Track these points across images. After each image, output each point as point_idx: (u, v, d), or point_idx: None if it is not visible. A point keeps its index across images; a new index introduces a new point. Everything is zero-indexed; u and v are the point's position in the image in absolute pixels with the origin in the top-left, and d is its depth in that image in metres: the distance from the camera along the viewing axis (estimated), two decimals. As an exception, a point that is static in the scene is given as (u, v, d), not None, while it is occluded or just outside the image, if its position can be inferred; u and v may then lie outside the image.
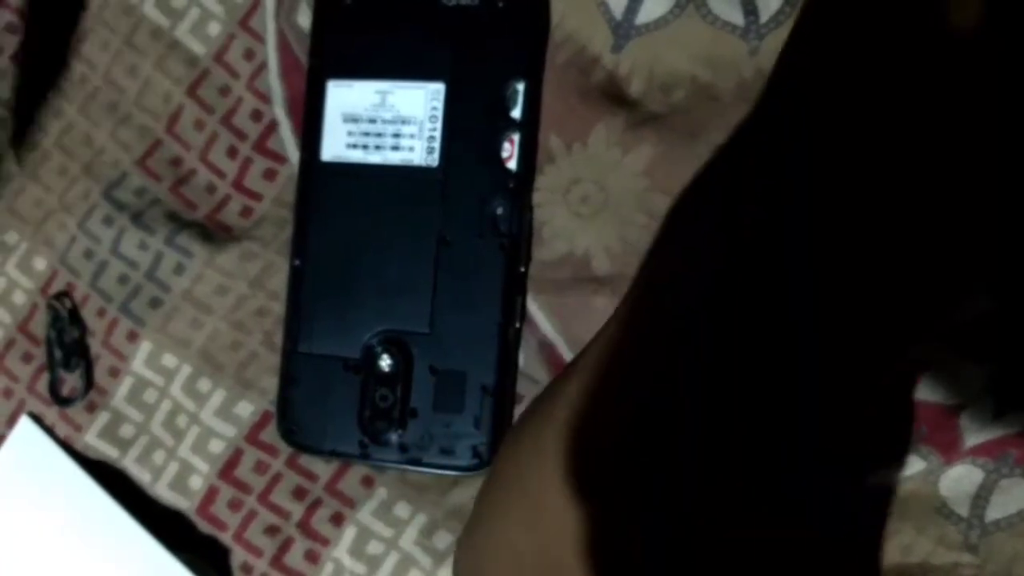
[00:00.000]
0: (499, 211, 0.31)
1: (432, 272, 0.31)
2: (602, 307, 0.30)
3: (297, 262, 0.32)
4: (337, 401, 0.32)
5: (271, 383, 0.33)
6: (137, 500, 0.34)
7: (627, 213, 0.30)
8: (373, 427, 0.31)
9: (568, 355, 0.31)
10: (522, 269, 0.31)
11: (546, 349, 0.31)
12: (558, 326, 0.31)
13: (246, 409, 0.34)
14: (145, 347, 0.35)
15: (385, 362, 0.31)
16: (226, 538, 0.34)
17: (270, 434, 0.33)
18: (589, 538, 0.22)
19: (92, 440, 0.35)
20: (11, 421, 0.36)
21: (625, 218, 0.30)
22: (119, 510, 0.34)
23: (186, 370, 0.34)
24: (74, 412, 0.35)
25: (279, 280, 0.33)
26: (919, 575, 0.29)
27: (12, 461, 0.34)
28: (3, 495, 0.34)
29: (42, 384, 0.36)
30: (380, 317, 0.31)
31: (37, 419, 0.36)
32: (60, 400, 0.35)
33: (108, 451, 0.35)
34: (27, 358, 0.36)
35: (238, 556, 0.34)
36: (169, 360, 0.35)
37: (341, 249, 0.32)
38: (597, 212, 0.31)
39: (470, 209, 0.31)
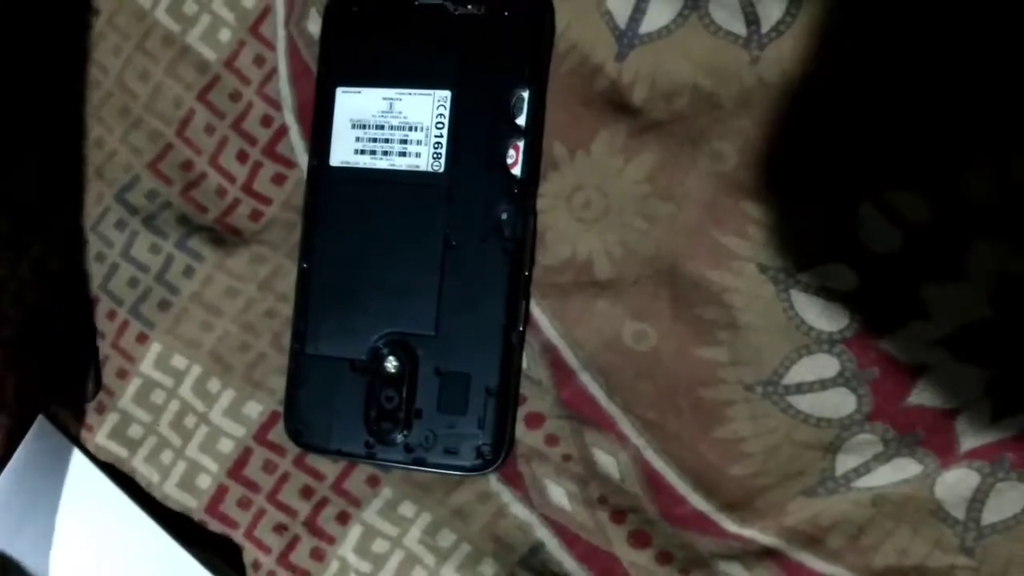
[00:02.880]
0: (504, 216, 0.31)
1: (438, 276, 0.31)
2: (604, 311, 0.31)
3: (305, 265, 0.33)
4: (343, 402, 0.32)
5: (279, 384, 0.33)
6: (148, 502, 0.35)
7: (628, 219, 0.30)
8: (379, 427, 0.32)
9: (570, 358, 0.31)
10: (526, 273, 0.31)
11: (549, 352, 0.32)
12: (560, 329, 0.31)
13: (255, 409, 0.34)
14: (155, 349, 0.35)
15: (391, 364, 0.32)
16: (237, 536, 0.34)
17: (278, 434, 0.34)
18: None
19: (102, 441, 0.35)
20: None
21: (626, 223, 0.31)
22: (135, 508, 0.34)
23: (196, 371, 0.35)
24: (85, 413, 0.36)
25: (288, 283, 0.34)
26: (915, 577, 0.29)
27: (29, 460, 0.35)
28: (20, 494, 0.35)
29: (53, 384, 0.36)
30: (386, 319, 0.32)
31: (53, 418, 0.36)
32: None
33: (118, 451, 0.35)
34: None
35: (249, 554, 0.34)
36: (179, 361, 0.35)
37: (349, 252, 0.32)
38: (599, 218, 0.31)
39: (475, 214, 0.31)
